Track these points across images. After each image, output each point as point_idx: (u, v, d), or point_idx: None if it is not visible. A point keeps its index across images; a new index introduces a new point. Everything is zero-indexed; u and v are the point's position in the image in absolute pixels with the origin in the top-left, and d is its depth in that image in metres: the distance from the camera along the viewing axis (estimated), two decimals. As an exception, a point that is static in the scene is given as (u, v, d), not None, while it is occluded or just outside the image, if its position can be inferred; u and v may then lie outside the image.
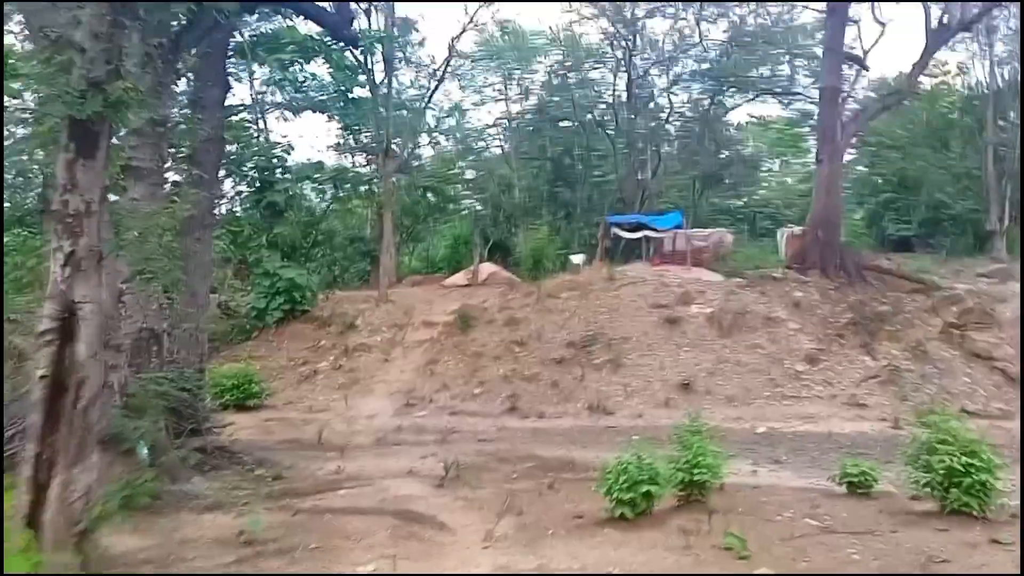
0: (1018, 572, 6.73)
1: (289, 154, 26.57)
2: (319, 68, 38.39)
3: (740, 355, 19.54)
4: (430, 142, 50.37)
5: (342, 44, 25.80)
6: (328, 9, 16.93)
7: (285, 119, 38.81)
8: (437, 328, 23.52)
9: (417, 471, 12.57)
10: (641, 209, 39.56)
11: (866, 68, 35.50)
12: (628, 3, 39.60)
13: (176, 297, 13.17)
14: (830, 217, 27.01)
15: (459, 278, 34.14)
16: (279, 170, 24.54)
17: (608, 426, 17.04)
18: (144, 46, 9.55)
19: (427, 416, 18.51)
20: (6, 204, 18.24)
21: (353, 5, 26.26)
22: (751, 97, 44.77)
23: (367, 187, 33.57)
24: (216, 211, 15.34)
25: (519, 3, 52.65)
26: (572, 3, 41.36)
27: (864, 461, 10.50)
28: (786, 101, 44.66)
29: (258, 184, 24.24)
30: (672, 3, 39.73)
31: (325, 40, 25.34)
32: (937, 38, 29.21)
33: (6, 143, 13.52)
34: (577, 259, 30.74)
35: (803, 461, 13.31)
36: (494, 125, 52.22)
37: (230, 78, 16.44)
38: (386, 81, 32.26)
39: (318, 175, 28.20)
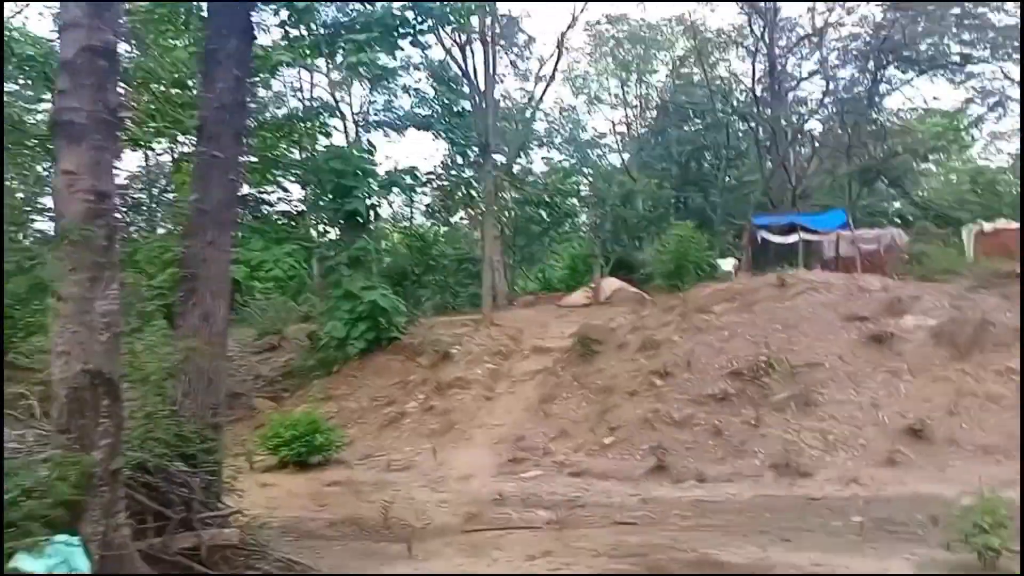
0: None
1: (372, 155, 22.23)
2: (422, 83, 34.72)
3: (990, 384, 13.59)
4: (541, 156, 46.21)
5: (428, 22, 21.43)
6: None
7: (387, 136, 35.22)
8: (552, 355, 18.52)
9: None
10: (792, 210, 33.76)
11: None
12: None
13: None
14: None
15: (578, 297, 29.39)
16: (359, 173, 20.09)
17: (810, 497, 11.49)
18: None
19: (540, 477, 13.40)
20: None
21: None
22: (914, 75, 38.14)
23: (465, 192, 28.87)
24: (238, 203, 10.71)
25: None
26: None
27: None
28: (959, 78, 37.81)
29: (335, 191, 19.90)
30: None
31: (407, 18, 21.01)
32: None
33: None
34: (727, 264, 25.16)
35: None
36: (613, 131, 47.56)
37: (255, 26, 12.04)
38: (489, 69, 27.61)
39: (410, 180, 23.69)
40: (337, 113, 22.43)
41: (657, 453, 13.40)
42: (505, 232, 39.71)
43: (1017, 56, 32.13)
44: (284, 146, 21.81)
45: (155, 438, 9.23)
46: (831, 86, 36.56)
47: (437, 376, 18.04)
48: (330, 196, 20.08)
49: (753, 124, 37.72)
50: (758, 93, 36.79)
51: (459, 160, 34.88)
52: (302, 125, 20.62)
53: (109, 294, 7.94)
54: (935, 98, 42.51)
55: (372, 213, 20.93)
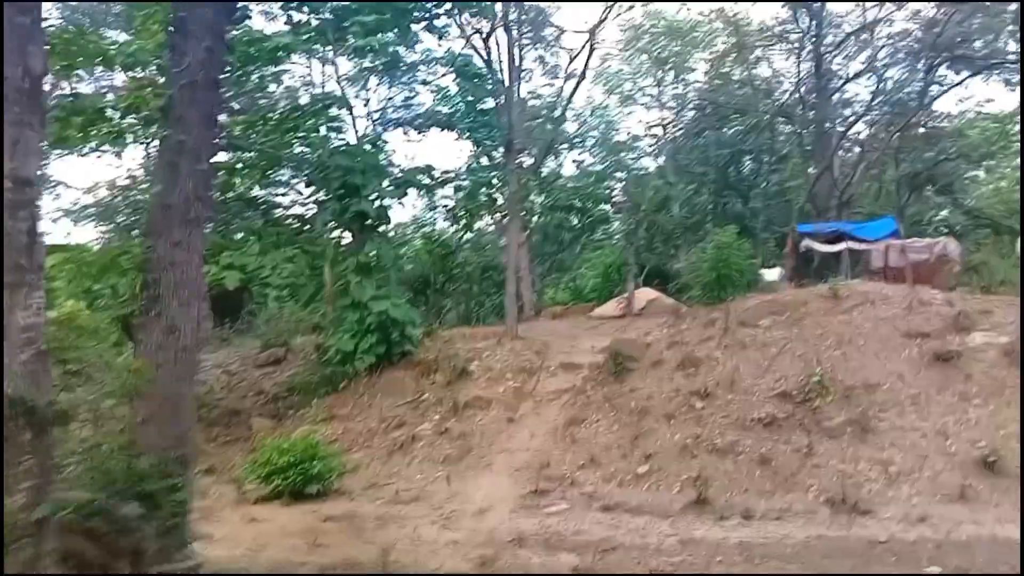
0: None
1: (382, 151, 20.80)
2: (446, 79, 33.33)
3: (1076, 410, 11.91)
4: (572, 160, 44.60)
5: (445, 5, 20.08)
6: None
7: (407, 135, 33.77)
8: (581, 373, 16.95)
9: None
10: (838, 217, 31.89)
11: None
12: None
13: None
14: None
15: (610, 307, 27.76)
16: (367, 171, 18.65)
17: (872, 540, 9.86)
18: None
19: (565, 512, 11.84)
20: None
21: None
22: (967, 75, 36.04)
23: (489, 196, 27.32)
24: (210, 195, 9.29)
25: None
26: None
27: None
28: (1015, 79, 35.63)
29: (341, 190, 18.45)
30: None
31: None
32: None
33: None
34: (772, 274, 23.39)
35: None
36: (648, 133, 45.85)
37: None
38: (513, 59, 26.12)
39: (426, 179, 22.18)
40: (348, 107, 20.76)
41: (696, 485, 11.82)
42: (533, 239, 38.17)
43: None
44: (295, 144, 20.36)
45: (104, 474, 7.91)
46: (880, 86, 34.60)
47: (454, 395, 16.53)
48: (336, 196, 18.62)
49: (797, 126, 35.86)
50: (802, 93, 34.98)
51: (484, 161, 33.46)
52: (310, 120, 19.15)
53: (32, 304, 6.59)
54: (989, 100, 40.14)
55: (383, 215, 19.42)
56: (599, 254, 43.36)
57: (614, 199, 42.00)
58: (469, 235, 42.49)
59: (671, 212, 40.41)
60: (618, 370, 15.61)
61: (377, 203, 18.82)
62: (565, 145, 43.41)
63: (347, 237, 20.22)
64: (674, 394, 14.38)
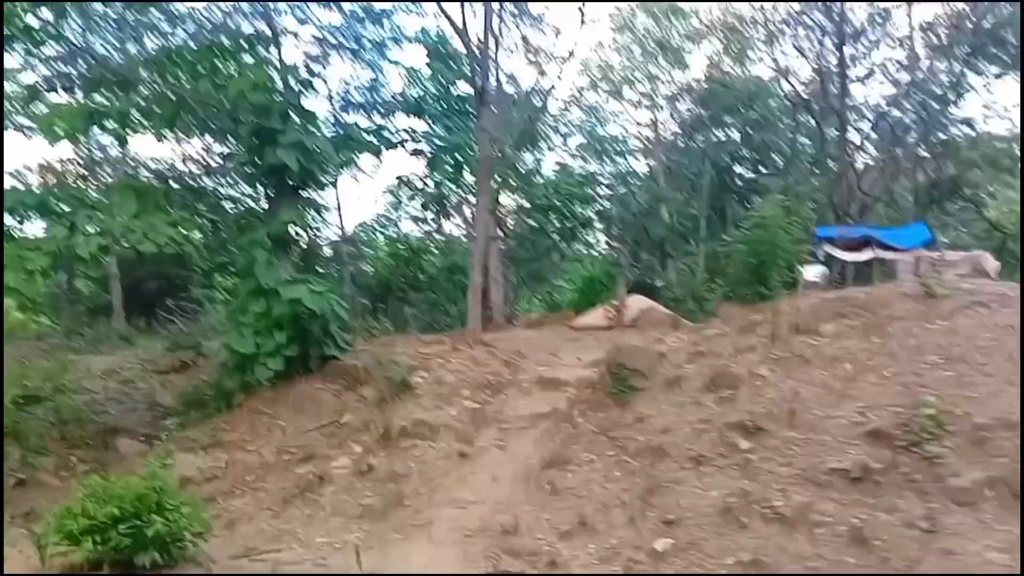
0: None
1: (310, 87, 16.01)
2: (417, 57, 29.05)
3: None
4: (555, 161, 40.36)
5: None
6: None
7: (371, 120, 29.20)
8: (565, 392, 12.34)
9: None
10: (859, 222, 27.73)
11: None
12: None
13: None
14: None
15: (596, 317, 23.23)
16: (289, 114, 13.99)
17: None
18: None
19: (541, 618, 7.26)
20: None
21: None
22: (997, 72, 32.03)
23: (452, 163, 22.59)
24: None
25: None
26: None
27: None
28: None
29: (253, 136, 13.78)
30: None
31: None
32: None
33: None
34: (811, 272, 18.56)
35: None
36: (638, 134, 41.80)
37: None
38: (489, 25, 21.53)
39: (373, 139, 17.45)
40: (274, 42, 15.97)
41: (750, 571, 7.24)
42: (507, 242, 33.72)
43: None
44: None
45: None
46: (908, 77, 30.49)
47: (386, 418, 11.77)
48: (246, 145, 13.92)
49: (813, 121, 31.64)
50: (819, 87, 30.79)
51: (456, 156, 29.01)
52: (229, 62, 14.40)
53: None
54: (1016, 105, 36.27)
55: (312, 176, 14.67)
56: (579, 266, 39.36)
57: (599, 202, 37.80)
58: (436, 237, 38.41)
59: (660, 218, 36.30)
60: (619, 389, 10.97)
61: (303, 158, 14.02)
62: (547, 142, 39.20)
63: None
64: (704, 427, 9.74)
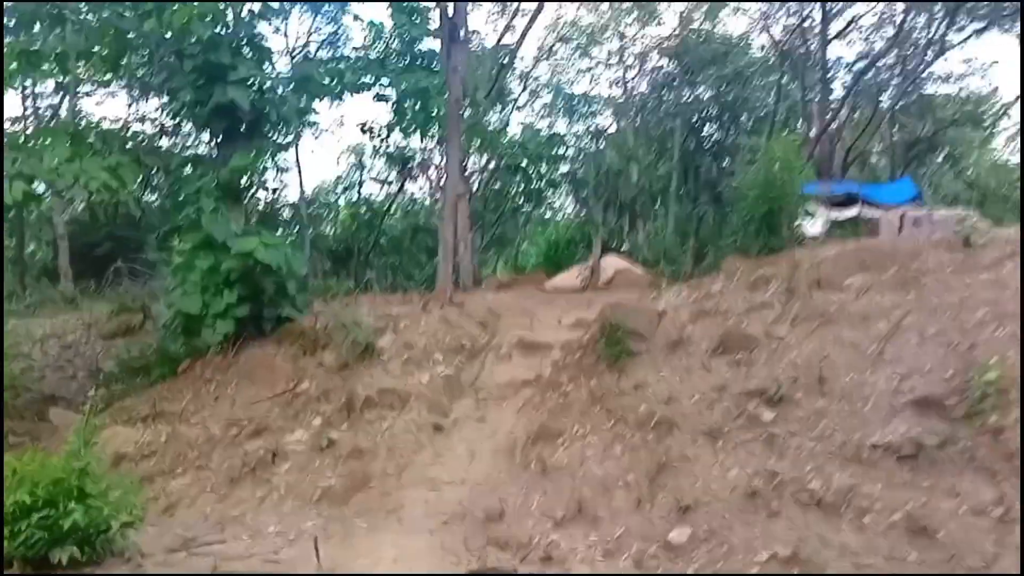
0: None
1: (264, 18, 14.21)
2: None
3: None
4: (519, 122, 38.88)
5: None
6: None
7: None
8: (550, 355, 11.00)
9: None
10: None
11: None
12: None
13: None
14: None
15: (568, 278, 22.07)
16: (240, 48, 12.34)
17: None
18: None
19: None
20: None
21: None
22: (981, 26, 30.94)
23: (419, 109, 20.83)
24: None
25: None
26: None
27: None
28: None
29: (199, 73, 12.09)
30: None
31: None
32: None
33: None
34: (812, 226, 17.11)
35: None
36: (608, 94, 40.32)
37: None
38: None
39: (332, 80, 15.76)
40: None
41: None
42: (472, 202, 32.21)
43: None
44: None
45: None
46: (886, 33, 29.37)
47: (349, 386, 10.34)
48: (191, 82, 12.21)
49: (792, 75, 30.41)
50: (800, 40, 29.51)
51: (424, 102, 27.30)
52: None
53: None
54: (994, 62, 35.55)
55: (268, 117, 13.02)
56: (544, 231, 38.21)
57: (566, 163, 36.32)
58: (400, 198, 36.94)
59: (630, 178, 34.95)
60: (614, 352, 9.64)
61: (256, 98, 12.38)
62: (512, 97, 37.66)
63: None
64: (716, 395, 8.46)
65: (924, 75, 30.38)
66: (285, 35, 30.24)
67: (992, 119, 33.31)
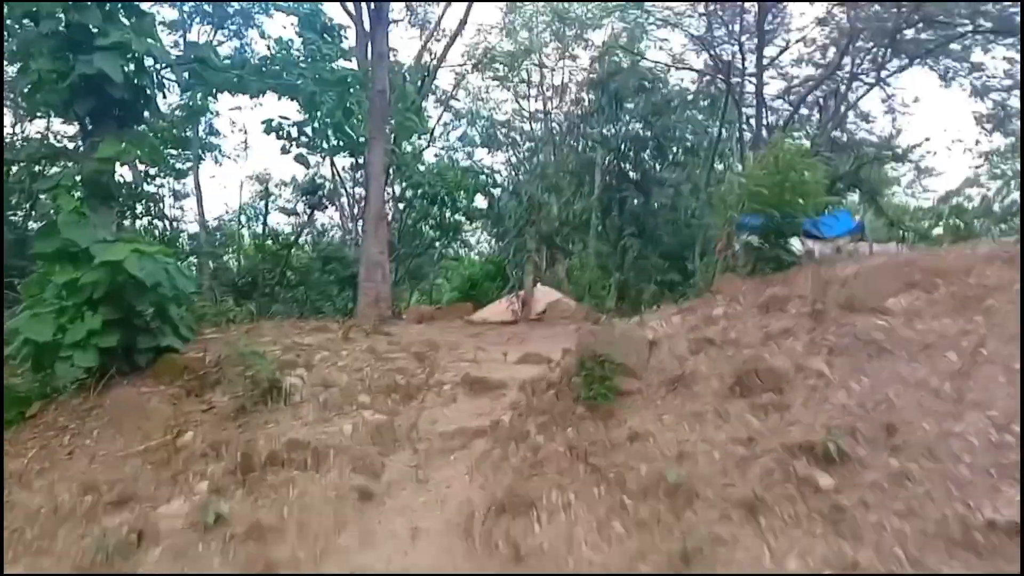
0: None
1: None
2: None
3: None
4: (434, 153, 37.23)
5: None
6: None
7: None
8: (506, 398, 8.82)
9: None
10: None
11: None
12: None
13: None
14: None
15: (497, 310, 20.30)
16: (111, 11, 9.88)
17: None
18: None
19: None
20: None
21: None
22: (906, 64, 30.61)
23: (334, 104, 18.36)
24: None
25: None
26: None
27: None
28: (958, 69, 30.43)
29: (63, 42, 9.60)
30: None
31: None
32: None
33: None
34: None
35: None
36: (526, 120, 39.05)
37: None
38: None
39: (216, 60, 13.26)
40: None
41: None
42: (391, 232, 30.12)
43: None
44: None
45: None
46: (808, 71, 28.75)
47: (247, 436, 7.89)
48: (46, 50, 9.68)
49: (725, 105, 29.36)
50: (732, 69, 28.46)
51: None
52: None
53: None
54: (916, 100, 35.57)
55: (148, 99, 10.52)
56: (458, 265, 36.59)
57: (482, 195, 34.56)
58: (308, 231, 34.89)
59: (550, 211, 33.37)
60: (598, 392, 7.50)
61: (131, 70, 9.90)
62: (429, 123, 35.91)
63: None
64: (745, 451, 6.39)
65: (841, 113, 30.14)
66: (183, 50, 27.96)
67: (903, 157, 33.53)
